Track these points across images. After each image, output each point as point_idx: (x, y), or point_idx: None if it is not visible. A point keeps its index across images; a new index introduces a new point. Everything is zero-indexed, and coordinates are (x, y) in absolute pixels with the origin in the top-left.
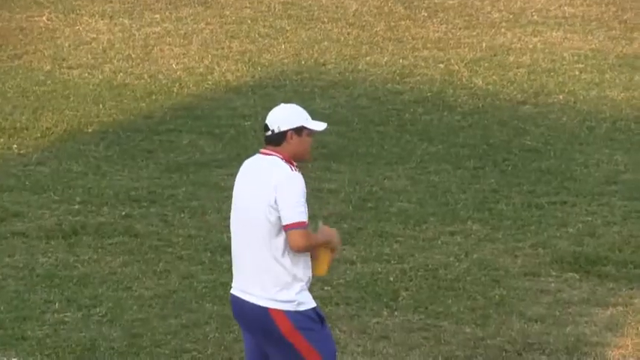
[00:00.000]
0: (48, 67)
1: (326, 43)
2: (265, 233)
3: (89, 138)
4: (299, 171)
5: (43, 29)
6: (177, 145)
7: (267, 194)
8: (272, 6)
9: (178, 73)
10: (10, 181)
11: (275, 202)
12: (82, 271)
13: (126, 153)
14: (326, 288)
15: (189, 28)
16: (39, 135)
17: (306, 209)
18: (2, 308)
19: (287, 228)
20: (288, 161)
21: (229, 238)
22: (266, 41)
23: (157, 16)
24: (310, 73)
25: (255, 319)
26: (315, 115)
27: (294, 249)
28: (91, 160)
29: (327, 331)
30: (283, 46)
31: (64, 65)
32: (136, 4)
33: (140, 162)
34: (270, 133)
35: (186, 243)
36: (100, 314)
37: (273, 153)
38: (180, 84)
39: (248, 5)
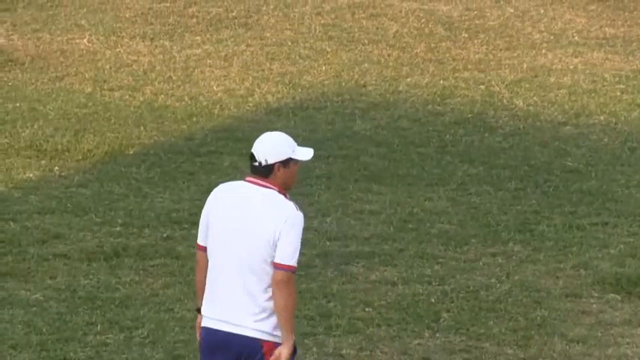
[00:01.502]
0: (89, 89)
1: (366, 64)
2: (260, 268)
3: (130, 160)
4: (300, 209)
5: (84, 51)
6: (218, 166)
7: (271, 230)
8: (312, 28)
9: (219, 94)
10: (52, 203)
11: (277, 238)
12: (124, 292)
13: (167, 175)
14: (367, 309)
15: (230, 50)
16: (80, 157)
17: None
18: (45, 330)
19: (280, 267)
20: (282, 193)
21: None
22: (306, 63)
23: (198, 38)
24: (351, 94)
25: (242, 353)
26: (356, 137)
27: (278, 289)
28: (133, 182)
29: None
30: (324, 68)
31: (105, 87)
32: (176, 26)
33: (181, 184)
34: (257, 164)
35: None
36: (142, 336)
37: (269, 185)
38: (221, 106)
39: (288, 27)
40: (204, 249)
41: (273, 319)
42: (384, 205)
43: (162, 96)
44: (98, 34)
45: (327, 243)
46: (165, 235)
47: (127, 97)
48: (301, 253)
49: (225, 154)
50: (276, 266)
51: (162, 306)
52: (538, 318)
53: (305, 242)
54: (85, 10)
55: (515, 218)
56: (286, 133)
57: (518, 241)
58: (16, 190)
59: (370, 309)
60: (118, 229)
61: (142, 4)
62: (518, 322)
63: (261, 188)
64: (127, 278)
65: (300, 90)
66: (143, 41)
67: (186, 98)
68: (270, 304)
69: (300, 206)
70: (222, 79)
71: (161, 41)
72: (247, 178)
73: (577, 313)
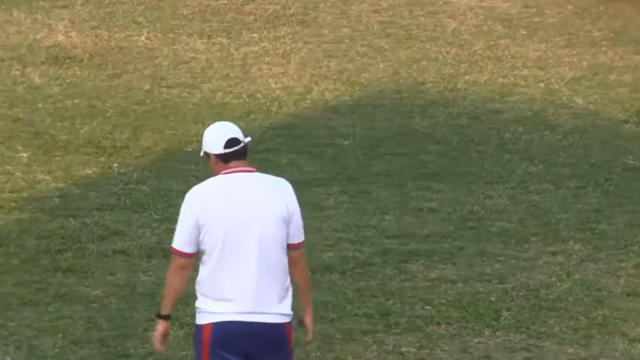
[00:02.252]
0: (147, 87)
1: (425, 62)
2: (279, 248)
3: (188, 157)
4: None
5: (142, 48)
6: (276, 164)
7: (281, 211)
8: (370, 25)
9: (277, 92)
10: (111, 199)
11: (291, 214)
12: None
13: None
14: (427, 307)
15: (288, 48)
16: (139, 154)
17: None
18: (105, 326)
19: (299, 246)
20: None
21: (330, 258)
22: (364, 60)
23: (255, 35)
24: (409, 92)
25: (268, 339)
26: (414, 134)
27: (301, 265)
28: (191, 179)
29: None
30: (382, 65)
31: (163, 84)
32: (234, 23)
33: None
34: (242, 145)
35: None
36: None
37: (251, 169)
38: (279, 103)
39: (346, 24)
40: (191, 255)
41: (290, 300)
42: (443, 203)
43: (220, 93)
44: (156, 31)
45: (386, 241)
46: None
47: (185, 94)
48: (360, 251)
49: (283, 151)
50: (296, 246)
51: None
52: (599, 317)
53: (364, 240)
54: (142, 7)
55: (576, 216)
56: (344, 130)
57: (579, 240)
58: (75, 186)
59: (430, 307)
60: (175, 225)
61: (199, 2)
62: (579, 321)
63: (251, 174)
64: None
65: (358, 87)
66: (201, 38)
67: (243, 95)
68: (287, 285)
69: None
70: (280, 77)
71: (219, 38)
72: (233, 169)
73: (639, 313)
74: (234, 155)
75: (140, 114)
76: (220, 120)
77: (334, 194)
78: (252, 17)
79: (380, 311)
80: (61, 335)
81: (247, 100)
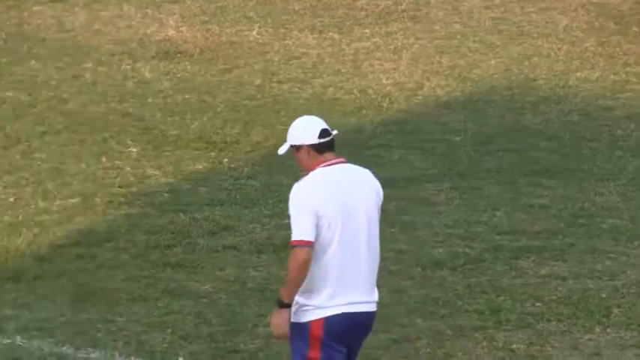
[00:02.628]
0: (258, 82)
1: (536, 58)
2: (378, 236)
3: None
4: None
5: (253, 43)
6: (388, 160)
7: (377, 198)
8: (482, 21)
9: (388, 88)
10: (222, 195)
11: (380, 206)
12: None
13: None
14: (537, 304)
15: (399, 43)
16: (249, 149)
17: None
18: (215, 321)
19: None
20: None
21: (441, 254)
22: (476, 56)
23: (367, 30)
24: (520, 88)
25: (369, 327)
26: (526, 131)
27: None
28: (301, 174)
29: None
30: (493, 62)
31: (274, 80)
32: (345, 18)
33: None
34: (332, 136)
35: (397, 258)
36: None
37: (344, 159)
38: (390, 99)
39: (458, 20)
40: (310, 244)
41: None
42: (554, 199)
43: (331, 89)
44: (267, 26)
45: (497, 237)
46: None
47: (296, 89)
48: (470, 247)
49: (394, 147)
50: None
51: None
52: None
53: (474, 236)
54: (254, 1)
55: None
56: (455, 126)
57: None
58: (185, 181)
59: (540, 304)
60: (287, 221)
61: None
62: None
63: (347, 165)
64: None
65: (469, 84)
66: (312, 34)
67: (355, 91)
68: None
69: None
70: (392, 72)
71: (330, 34)
72: (333, 161)
73: None
74: (328, 146)
75: (251, 109)
76: (331, 115)
77: (445, 190)
78: (363, 13)
79: (490, 307)
80: (170, 330)
81: (358, 95)
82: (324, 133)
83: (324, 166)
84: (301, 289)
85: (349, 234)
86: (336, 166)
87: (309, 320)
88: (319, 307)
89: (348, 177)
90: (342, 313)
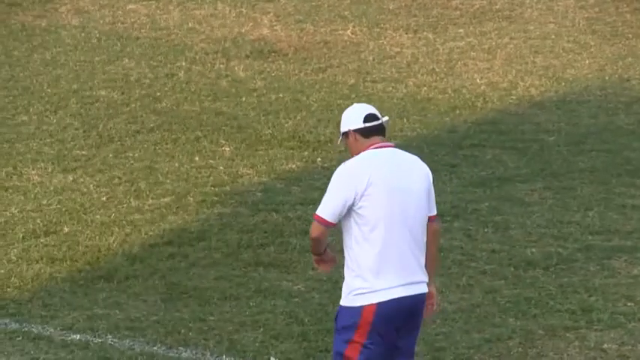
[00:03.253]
0: (352, 81)
1: (630, 58)
2: (424, 219)
3: None
4: None
5: (348, 43)
6: (481, 159)
7: (426, 183)
8: (576, 21)
9: (482, 87)
10: (315, 194)
11: (429, 190)
12: None
13: (429, 167)
14: (629, 304)
15: (493, 43)
16: (342, 148)
17: None
18: (307, 320)
19: (436, 218)
20: None
21: (533, 253)
22: (570, 56)
23: (461, 30)
24: (614, 88)
25: (421, 310)
26: (619, 131)
27: (437, 237)
28: None
29: None
30: (587, 62)
31: (368, 79)
32: (440, 18)
33: (444, 176)
34: (381, 122)
35: (489, 257)
36: None
37: (392, 144)
38: (484, 99)
39: (552, 20)
40: (330, 225)
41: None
42: None
43: (425, 88)
44: (362, 25)
45: (589, 237)
46: None
47: (390, 89)
48: (563, 247)
49: (487, 147)
50: (433, 219)
51: None
52: None
53: (567, 236)
54: (348, 1)
55: None
56: (549, 126)
57: None
58: (278, 180)
59: (632, 303)
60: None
61: None
62: None
63: (397, 150)
64: None
65: (563, 84)
66: (406, 33)
67: (449, 91)
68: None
69: None
70: (486, 72)
71: (424, 33)
72: (381, 144)
73: None
74: (374, 130)
75: (344, 108)
76: (425, 114)
77: (538, 190)
78: (458, 12)
79: (582, 307)
80: (261, 330)
81: (452, 95)
82: (370, 117)
83: (373, 148)
84: (352, 272)
85: (396, 216)
86: (384, 149)
87: (362, 305)
88: (372, 291)
89: (397, 160)
90: (394, 298)
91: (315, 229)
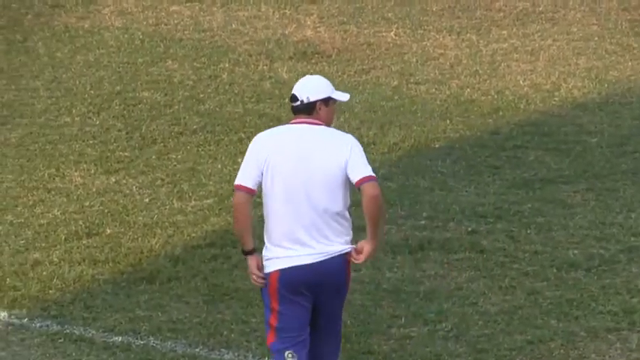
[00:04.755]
0: (395, 83)
1: None
2: (334, 189)
3: (436, 153)
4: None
5: (391, 45)
6: (524, 161)
7: (341, 156)
8: (619, 23)
9: (525, 89)
10: (357, 196)
11: (346, 162)
12: (428, 286)
13: (472, 169)
14: None
15: (537, 45)
16: (386, 150)
17: None
18: (349, 322)
19: (366, 180)
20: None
21: (576, 255)
22: (613, 58)
23: (504, 32)
24: None
25: (334, 274)
26: None
27: (374, 197)
28: (438, 175)
29: None
30: (630, 64)
31: (412, 81)
32: (483, 20)
33: (486, 178)
34: (299, 103)
35: (532, 259)
36: (446, 329)
37: (316, 122)
38: (527, 100)
39: (595, 22)
40: (248, 190)
41: (344, 235)
42: None
43: (469, 90)
44: (405, 27)
45: (632, 238)
46: (469, 229)
47: (434, 90)
48: (605, 248)
49: (530, 148)
50: (363, 180)
51: (467, 300)
52: None
53: (609, 237)
54: (392, 2)
55: None
56: (592, 128)
57: None
58: None
59: None
60: (422, 222)
61: None
62: None
63: (314, 126)
64: (432, 271)
65: (606, 85)
66: (450, 35)
67: (492, 92)
68: (345, 221)
69: None
70: (529, 74)
71: (468, 35)
72: (294, 121)
73: None
74: (297, 110)
75: (388, 110)
76: (468, 116)
77: (581, 192)
78: (501, 14)
79: (624, 309)
80: None
81: (495, 96)
82: (291, 97)
83: (290, 123)
84: (264, 241)
85: (298, 186)
86: (299, 125)
87: (269, 272)
88: (274, 258)
89: (309, 135)
90: (294, 266)
91: (234, 198)
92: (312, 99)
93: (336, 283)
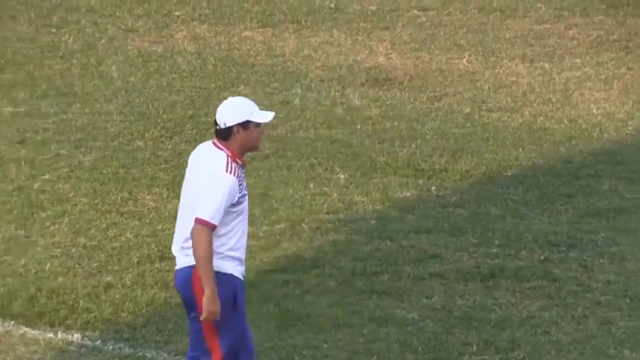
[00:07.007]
0: (467, 110)
1: None
2: (191, 215)
3: (508, 181)
4: (234, 174)
5: (463, 72)
6: (597, 190)
7: (202, 184)
8: None
9: (598, 117)
10: (429, 222)
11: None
12: (500, 314)
13: (545, 197)
14: None
15: (610, 73)
16: (457, 177)
17: (221, 215)
18: (420, 349)
19: (196, 221)
20: (233, 159)
21: None
22: None
23: (578, 60)
24: None
25: (180, 287)
26: None
27: (194, 241)
28: (510, 203)
29: None
30: None
31: (484, 108)
32: (556, 47)
33: (559, 206)
34: (218, 127)
35: (605, 288)
36: (518, 358)
37: (223, 148)
38: (601, 129)
39: None
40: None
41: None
42: None
43: (541, 118)
44: (477, 54)
45: None
46: (542, 257)
47: (506, 118)
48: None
49: (604, 177)
50: (195, 221)
51: (539, 328)
52: None
53: None
54: (464, 29)
55: None
56: None
57: None
58: (393, 209)
59: None
60: (494, 250)
61: (521, 26)
62: None
63: (216, 150)
64: (504, 299)
65: None
66: (522, 62)
67: (565, 120)
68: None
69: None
70: (602, 102)
71: (541, 63)
72: (214, 140)
73: None
74: (215, 133)
75: (460, 137)
76: (541, 144)
77: None
78: (575, 42)
79: None
80: (375, 358)
81: (568, 125)
82: (214, 121)
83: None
84: None
85: (181, 202)
86: (203, 144)
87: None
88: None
89: (201, 156)
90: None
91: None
92: (228, 124)
93: (186, 298)
